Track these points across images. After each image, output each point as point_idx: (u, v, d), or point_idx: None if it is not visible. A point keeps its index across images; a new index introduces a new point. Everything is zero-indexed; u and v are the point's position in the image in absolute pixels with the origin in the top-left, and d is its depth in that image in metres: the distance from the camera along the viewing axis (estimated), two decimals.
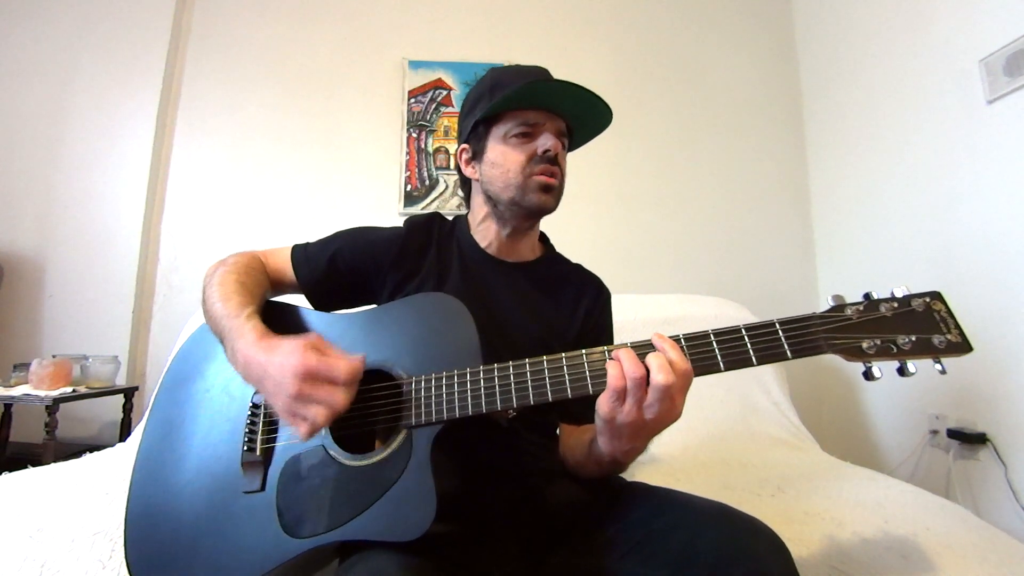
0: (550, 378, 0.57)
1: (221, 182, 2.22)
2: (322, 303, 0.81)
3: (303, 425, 0.55)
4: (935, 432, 1.61)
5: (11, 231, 2.11)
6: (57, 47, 2.23)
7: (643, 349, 0.55)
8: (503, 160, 0.75)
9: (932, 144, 1.68)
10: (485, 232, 0.82)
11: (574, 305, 0.82)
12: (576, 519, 0.67)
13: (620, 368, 0.53)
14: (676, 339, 0.55)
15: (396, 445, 0.60)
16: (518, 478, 0.73)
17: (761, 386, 1.64)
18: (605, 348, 0.57)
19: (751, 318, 1.84)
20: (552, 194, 0.76)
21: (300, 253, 0.81)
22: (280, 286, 0.81)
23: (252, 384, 0.61)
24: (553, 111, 0.76)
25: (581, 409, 0.75)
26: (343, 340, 0.70)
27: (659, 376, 0.51)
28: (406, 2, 2.37)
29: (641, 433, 0.55)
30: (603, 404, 0.54)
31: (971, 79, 1.53)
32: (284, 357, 0.57)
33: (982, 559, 0.74)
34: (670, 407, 0.52)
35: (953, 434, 1.54)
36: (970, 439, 1.49)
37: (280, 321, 0.71)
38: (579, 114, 0.77)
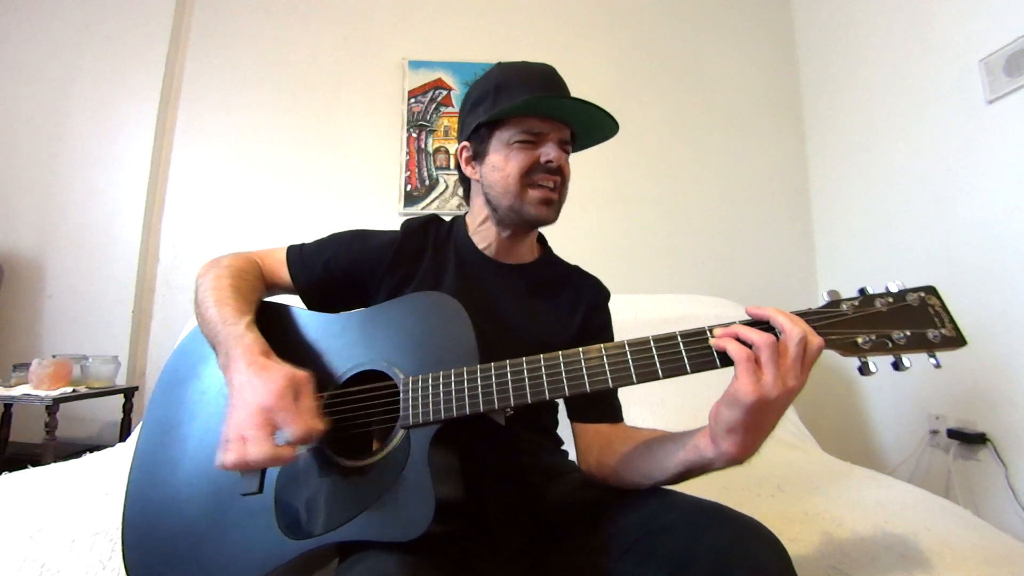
0: (547, 376, 0.57)
1: (221, 182, 2.22)
2: (318, 306, 0.80)
3: (224, 455, 0.54)
4: (935, 432, 1.61)
5: (11, 231, 2.11)
6: (57, 47, 2.23)
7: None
8: (504, 165, 0.75)
9: (932, 144, 1.67)
10: (485, 233, 0.82)
11: (573, 307, 0.81)
12: (575, 518, 0.67)
13: (736, 342, 0.51)
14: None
15: (393, 445, 0.60)
16: (517, 477, 0.73)
17: None
18: (603, 346, 0.57)
19: None
20: (552, 207, 0.76)
21: (295, 255, 0.81)
22: (275, 287, 0.81)
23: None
24: (559, 120, 0.75)
25: (604, 405, 0.75)
26: (340, 340, 0.70)
27: (795, 331, 0.49)
28: (406, 2, 2.37)
29: (781, 409, 0.51)
30: (745, 385, 0.49)
31: (971, 79, 1.53)
32: (262, 386, 0.56)
33: (982, 559, 0.74)
34: (805, 371, 0.50)
35: (953, 434, 1.54)
36: (970, 439, 1.48)
37: (274, 323, 0.71)
38: (585, 125, 0.77)
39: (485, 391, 0.58)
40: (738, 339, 0.51)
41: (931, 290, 0.54)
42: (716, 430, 0.53)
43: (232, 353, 0.61)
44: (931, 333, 0.51)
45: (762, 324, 0.53)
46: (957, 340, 0.51)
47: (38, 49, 2.22)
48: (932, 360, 0.52)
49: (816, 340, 0.50)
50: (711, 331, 0.54)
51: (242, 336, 0.62)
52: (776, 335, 0.51)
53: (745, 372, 0.49)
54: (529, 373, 0.58)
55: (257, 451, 0.53)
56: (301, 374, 0.59)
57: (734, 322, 0.54)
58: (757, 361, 0.50)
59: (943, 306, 0.53)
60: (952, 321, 0.52)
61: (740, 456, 0.53)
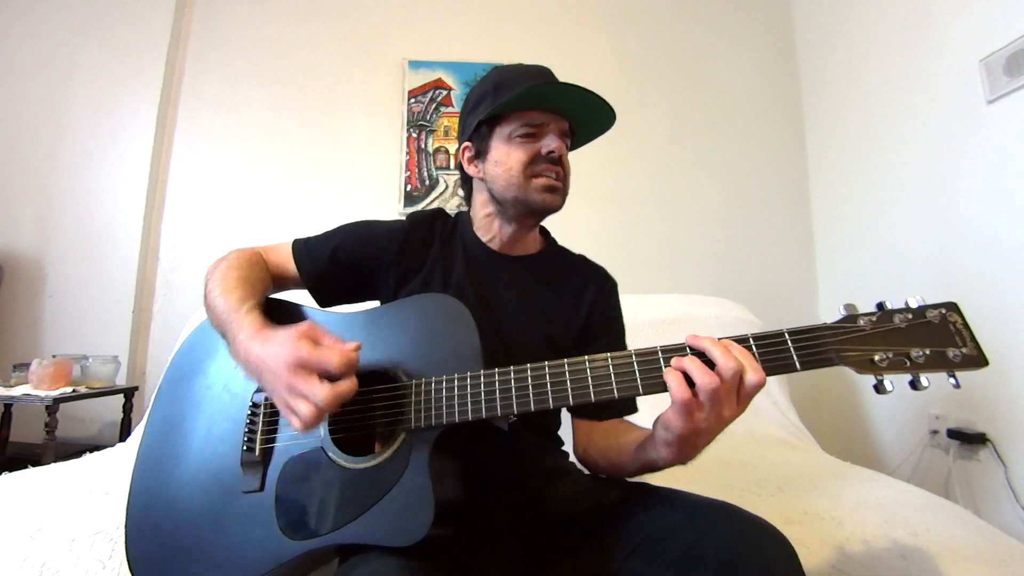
0: (551, 384, 0.57)
1: (221, 182, 2.22)
2: (325, 297, 0.81)
3: (294, 419, 0.55)
4: (935, 432, 1.61)
5: (11, 231, 2.11)
6: (57, 47, 2.23)
7: (672, 353, 0.54)
8: (506, 159, 0.75)
9: (932, 144, 1.67)
10: (488, 228, 0.82)
11: (578, 296, 0.82)
12: (578, 520, 0.67)
13: (680, 380, 0.51)
14: (681, 347, 0.54)
15: (395, 448, 0.60)
16: (519, 480, 0.72)
17: None
18: (608, 355, 0.56)
19: (751, 318, 1.84)
20: (557, 194, 0.77)
21: (301, 247, 0.81)
22: (282, 281, 0.81)
23: (253, 378, 0.61)
24: (557, 112, 0.76)
25: (602, 407, 0.75)
26: (343, 339, 0.69)
27: (728, 365, 0.50)
28: (406, 2, 2.37)
29: (715, 433, 0.53)
30: (676, 421, 0.51)
31: (971, 79, 1.53)
32: (279, 347, 0.56)
33: (982, 559, 0.74)
34: (742, 403, 0.52)
35: (953, 434, 1.54)
36: (970, 439, 1.48)
37: (282, 319, 0.71)
38: (583, 115, 0.77)
39: (488, 397, 0.58)
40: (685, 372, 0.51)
41: (952, 306, 0.51)
42: (656, 439, 0.57)
43: (237, 339, 0.62)
44: (951, 352, 0.49)
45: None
46: (979, 360, 0.49)
47: (38, 49, 2.22)
48: (951, 380, 0.50)
49: (754, 378, 0.50)
50: (664, 354, 0.54)
51: (242, 321, 0.63)
52: None
53: (678, 413, 0.51)
54: (533, 380, 0.57)
55: (318, 396, 0.53)
56: (303, 324, 0.59)
57: (686, 349, 0.53)
58: (696, 397, 0.50)
59: (964, 323, 0.50)
60: (974, 339, 0.49)
61: (677, 462, 0.58)
